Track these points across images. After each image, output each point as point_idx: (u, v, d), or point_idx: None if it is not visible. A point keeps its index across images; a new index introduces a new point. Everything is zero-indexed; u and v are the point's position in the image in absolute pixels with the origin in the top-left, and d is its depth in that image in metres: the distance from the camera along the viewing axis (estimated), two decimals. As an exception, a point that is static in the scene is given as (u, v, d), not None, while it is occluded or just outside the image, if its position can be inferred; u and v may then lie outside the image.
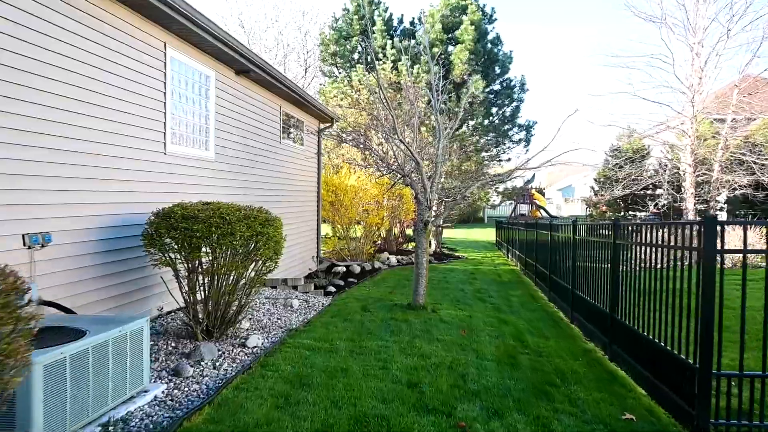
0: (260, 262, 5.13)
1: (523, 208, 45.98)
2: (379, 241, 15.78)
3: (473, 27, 16.01)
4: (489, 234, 29.46)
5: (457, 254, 17.78)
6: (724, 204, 20.46)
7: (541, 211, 45.28)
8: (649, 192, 22.14)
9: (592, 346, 5.58)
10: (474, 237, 28.42)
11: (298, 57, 25.68)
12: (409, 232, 26.18)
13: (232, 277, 4.94)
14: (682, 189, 14.27)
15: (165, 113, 5.84)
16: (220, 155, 7.26)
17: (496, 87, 17.02)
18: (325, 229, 15.56)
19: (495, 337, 5.84)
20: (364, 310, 7.24)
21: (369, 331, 5.90)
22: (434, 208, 18.57)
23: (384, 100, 6.85)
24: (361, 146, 8.51)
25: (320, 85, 19.66)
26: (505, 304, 8.25)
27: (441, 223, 18.95)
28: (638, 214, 22.61)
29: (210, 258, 4.70)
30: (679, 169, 14.06)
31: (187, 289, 4.83)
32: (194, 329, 4.95)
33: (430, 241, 18.58)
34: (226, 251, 4.65)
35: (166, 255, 4.67)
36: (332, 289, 9.50)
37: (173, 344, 4.89)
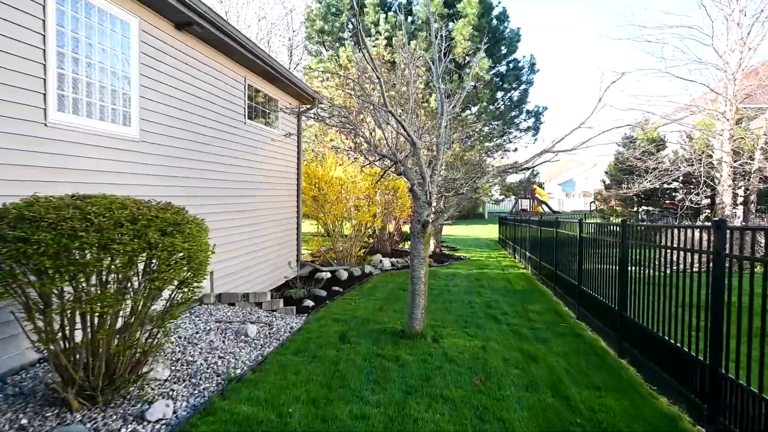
0: (172, 283, 3.34)
1: (525, 203, 44.39)
2: (372, 241, 13.98)
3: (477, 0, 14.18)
4: (491, 231, 27.72)
5: (458, 254, 16.02)
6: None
7: (543, 206, 43.63)
8: (666, 186, 20.46)
9: (676, 411, 3.79)
10: (475, 234, 26.67)
11: (282, 37, 23.65)
12: (406, 229, 24.38)
13: (123, 312, 3.16)
14: (716, 181, 12.52)
15: (45, 66, 4.01)
16: (149, 133, 5.44)
17: (502, 68, 15.20)
18: (312, 227, 13.76)
19: (524, 389, 4.07)
20: (343, 339, 5.46)
21: (343, 380, 4.12)
22: (434, 204, 16.72)
23: (370, 60, 5.07)
24: (347, 127, 6.70)
25: (305, 67, 17.74)
26: (526, 325, 6.48)
27: (443, 221, 17.18)
28: (646, 208, 20.90)
29: (80, 284, 2.91)
30: (712, 158, 12.32)
31: (44, 333, 3.03)
32: (62, 393, 3.17)
33: (428, 242, 16.82)
34: (97, 274, 2.86)
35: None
36: (310, 303, 7.72)
37: (28, 419, 3.10)
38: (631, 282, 5.08)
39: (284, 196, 9.80)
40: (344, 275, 10.46)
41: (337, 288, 9.32)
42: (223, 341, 5.11)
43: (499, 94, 15.63)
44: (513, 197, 40.52)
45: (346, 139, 12.18)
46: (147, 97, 5.38)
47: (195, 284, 3.40)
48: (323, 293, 8.77)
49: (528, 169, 5.60)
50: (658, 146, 20.02)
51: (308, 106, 10.51)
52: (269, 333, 5.65)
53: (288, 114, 9.16)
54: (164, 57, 5.71)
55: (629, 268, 5.17)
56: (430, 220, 5.47)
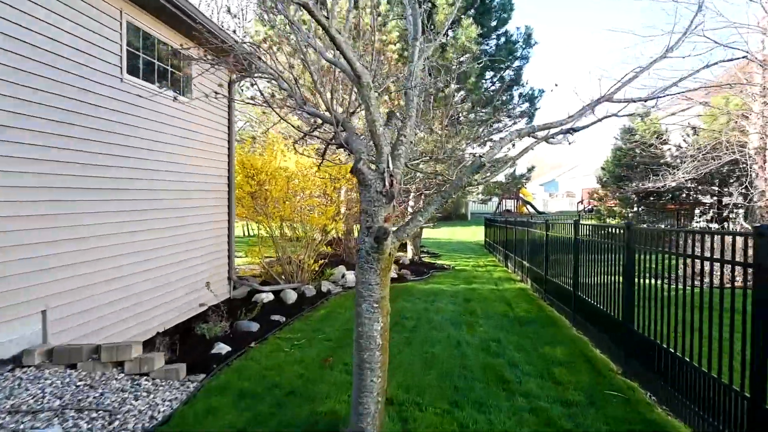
0: None
1: (509, 204, 42.46)
2: (337, 250, 11.42)
3: (462, -40, 11.78)
4: (475, 233, 25.45)
5: (441, 263, 13.58)
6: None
7: (528, 207, 41.80)
8: (660, 185, 18.43)
9: None
10: (459, 237, 24.35)
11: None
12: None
13: None
14: (750, 174, 10.37)
15: None
16: None
17: (491, 43, 12.85)
18: (263, 231, 11.14)
19: None
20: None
21: None
22: (411, 202, 14.20)
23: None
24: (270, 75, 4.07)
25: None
26: (553, 394, 4.02)
27: (418, 225, 14.72)
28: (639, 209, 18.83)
29: None
30: (745, 147, 10.19)
31: None
32: None
33: (405, 247, 14.35)
34: None
35: None
36: (223, 349, 5.16)
37: None
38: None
39: (206, 192, 7.17)
40: (292, 297, 7.88)
41: (277, 317, 6.75)
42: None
43: (489, 74, 13.27)
44: (496, 198, 38.58)
45: (300, 120, 9.62)
46: None
47: None
48: (254, 327, 6.20)
49: (556, 136, 3.04)
50: (663, 141, 18.00)
51: (243, 74, 7.87)
52: (97, 438, 3.05)
53: (207, 71, 6.51)
54: None
55: None
56: (392, 230, 2.89)
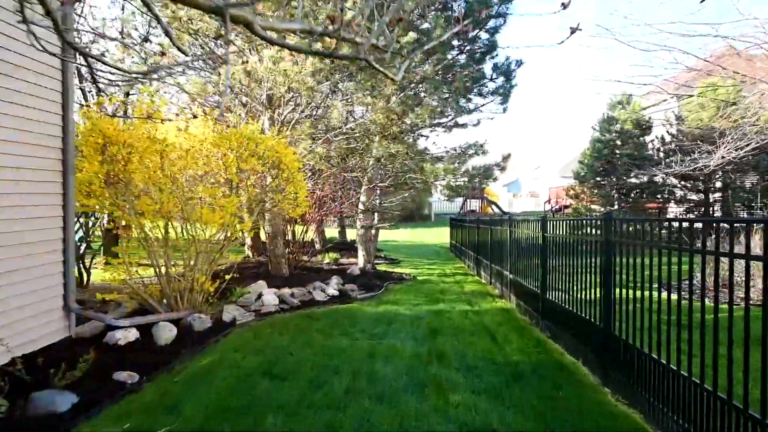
0: None
1: (474, 204, 40.67)
2: (259, 259, 8.67)
3: None
4: (439, 235, 23.20)
5: (399, 271, 11.06)
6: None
7: (493, 206, 40.17)
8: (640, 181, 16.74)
9: None
10: (421, 239, 21.99)
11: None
12: (333, 233, 18.78)
13: None
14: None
15: None
16: None
17: None
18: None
19: None
20: None
21: None
22: (363, 197, 11.34)
23: None
24: None
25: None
26: None
27: (375, 224, 12.18)
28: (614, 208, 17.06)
29: None
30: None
31: None
32: None
33: (355, 252, 11.72)
34: None
35: None
36: None
37: None
38: None
39: (14, 169, 4.31)
40: (167, 334, 5.13)
41: (124, 376, 4.04)
42: None
43: (456, 43, 10.87)
44: (460, 199, 36.72)
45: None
46: None
47: None
48: (64, 403, 3.52)
49: None
50: (644, 130, 16.25)
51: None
52: None
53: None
54: None
55: None
56: None
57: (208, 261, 5.92)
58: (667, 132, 16.36)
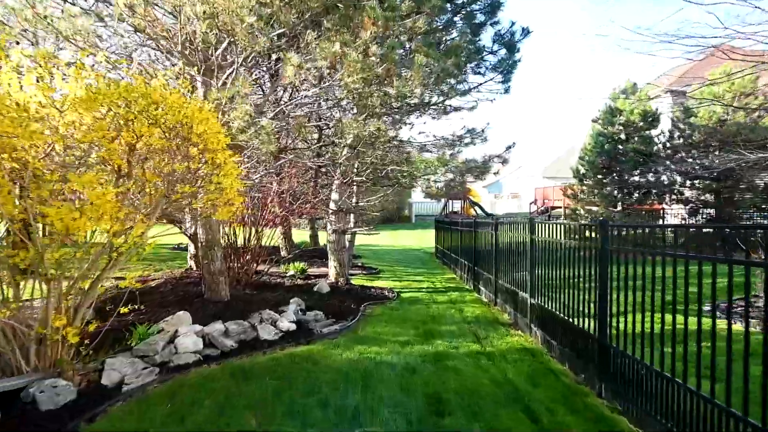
0: None
1: (456, 205, 38.93)
2: (191, 277, 6.46)
3: None
4: (422, 238, 21.22)
5: (380, 285, 8.94)
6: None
7: (476, 208, 38.53)
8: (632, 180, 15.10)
9: None
10: (403, 243, 19.92)
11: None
12: (303, 237, 16.05)
13: None
14: None
15: None
16: None
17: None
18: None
19: None
20: None
21: None
22: (335, 195, 8.70)
23: None
24: None
25: None
26: None
27: (350, 227, 10.04)
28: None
29: None
30: None
31: None
32: None
33: (326, 263, 9.58)
34: None
35: None
36: None
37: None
38: None
39: None
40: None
41: None
42: None
43: (448, 6, 8.89)
44: (442, 199, 34.93)
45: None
46: None
47: None
48: None
49: None
50: (651, 121, 14.58)
51: None
52: None
53: None
54: None
55: None
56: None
57: (79, 291, 3.69)
58: (673, 125, 14.75)
